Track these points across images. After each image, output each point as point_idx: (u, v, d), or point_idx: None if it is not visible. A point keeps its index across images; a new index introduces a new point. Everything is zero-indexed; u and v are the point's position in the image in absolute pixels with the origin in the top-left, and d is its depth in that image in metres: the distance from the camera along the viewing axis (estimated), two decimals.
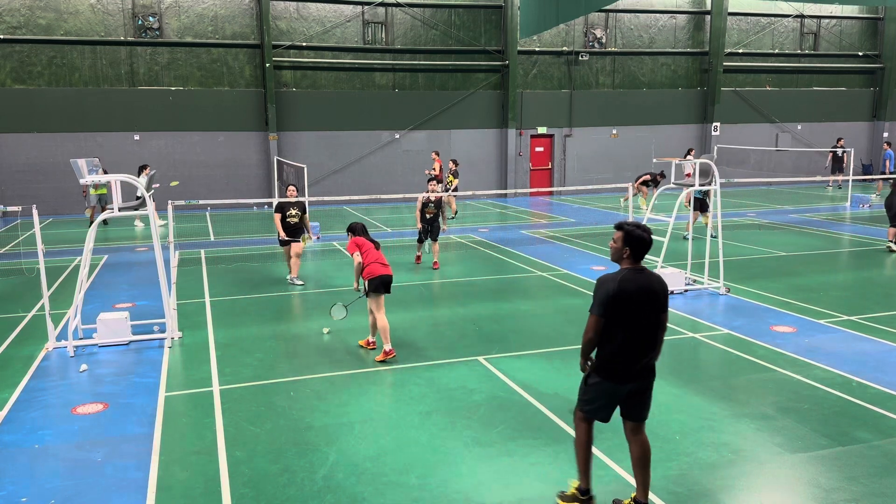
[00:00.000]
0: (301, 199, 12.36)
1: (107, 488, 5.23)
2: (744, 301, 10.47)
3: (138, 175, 19.22)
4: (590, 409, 4.72)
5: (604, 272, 13.33)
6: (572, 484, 4.90)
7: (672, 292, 10.88)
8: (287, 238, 11.91)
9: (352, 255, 8.10)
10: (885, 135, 30.70)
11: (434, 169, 21.00)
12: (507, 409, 6.61)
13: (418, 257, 13.71)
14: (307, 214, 12.29)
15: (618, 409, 4.76)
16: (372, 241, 8.30)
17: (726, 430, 6.05)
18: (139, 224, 19.54)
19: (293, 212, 11.90)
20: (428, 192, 13.19)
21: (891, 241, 14.31)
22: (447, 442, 5.92)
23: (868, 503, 4.88)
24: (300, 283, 12.03)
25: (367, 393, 7.05)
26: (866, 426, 6.08)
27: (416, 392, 7.05)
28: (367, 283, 7.98)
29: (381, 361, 7.92)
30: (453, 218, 20.36)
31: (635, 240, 4.56)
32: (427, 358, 8.08)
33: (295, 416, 6.49)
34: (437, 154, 21.80)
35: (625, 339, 4.53)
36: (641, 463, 4.73)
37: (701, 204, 15.01)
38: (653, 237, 4.63)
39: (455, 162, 20.80)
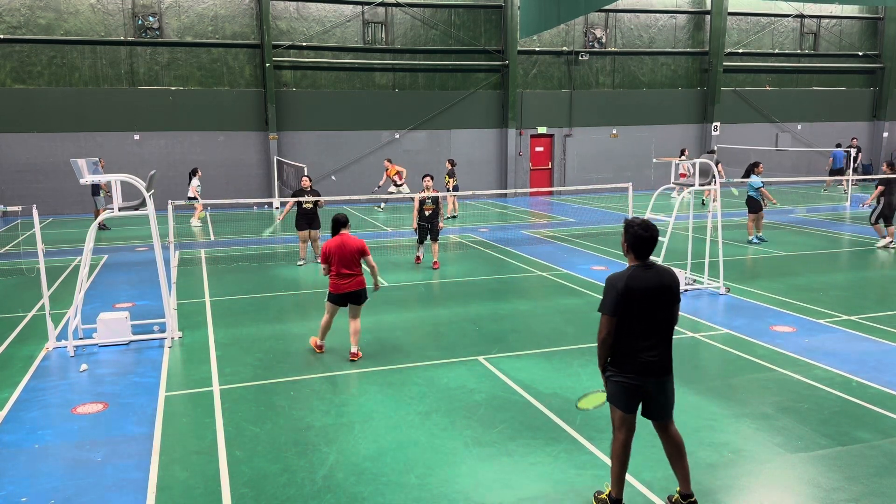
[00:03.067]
0: (317, 196, 13.45)
1: (107, 488, 5.23)
2: (744, 301, 10.47)
3: (190, 180, 19.52)
4: (624, 402, 4.63)
5: (604, 272, 13.23)
6: (607, 487, 4.87)
7: None
8: (303, 224, 13.37)
9: (322, 264, 8.04)
10: (885, 134, 30.73)
11: (397, 177, 21.25)
12: (507, 409, 6.61)
13: (418, 258, 13.71)
14: (321, 202, 13.79)
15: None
16: (337, 232, 7.97)
17: (726, 430, 6.05)
18: (197, 222, 19.78)
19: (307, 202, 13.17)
20: (423, 189, 13.24)
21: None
22: (447, 442, 5.91)
23: (868, 503, 4.88)
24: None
25: (367, 393, 7.05)
26: (866, 426, 6.08)
27: (416, 392, 7.04)
28: (328, 294, 8.10)
29: (353, 360, 8.05)
30: (454, 217, 20.41)
31: (631, 236, 4.57)
32: (427, 358, 8.08)
33: (295, 416, 6.49)
34: (390, 161, 21.97)
35: (637, 336, 4.53)
36: (676, 457, 4.75)
37: (754, 204, 15.29)
38: (654, 234, 4.55)
39: (452, 162, 20.83)
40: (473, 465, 5.51)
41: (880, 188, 14.52)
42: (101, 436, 6.14)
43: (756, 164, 15.69)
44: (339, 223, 8.00)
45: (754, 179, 15.39)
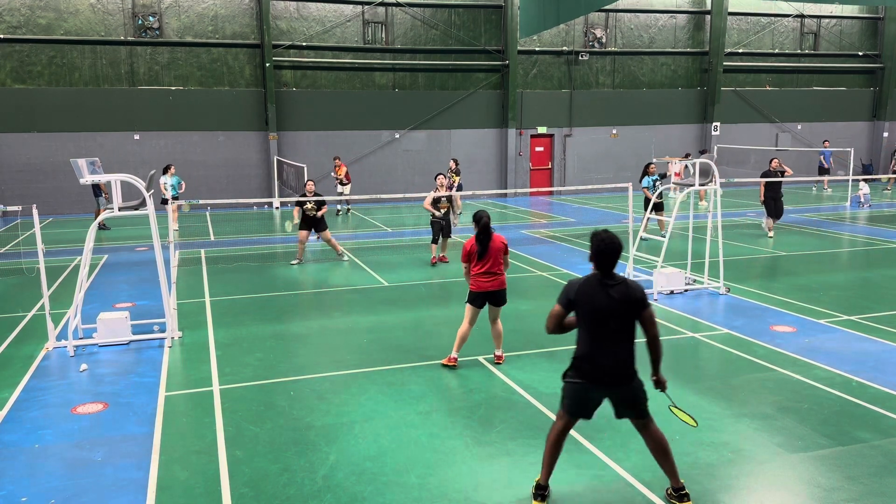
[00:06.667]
0: (319, 197, 13.73)
1: (107, 488, 5.23)
2: (744, 301, 10.47)
3: (164, 174, 19.20)
4: (569, 404, 4.81)
5: None
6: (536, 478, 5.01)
7: (672, 292, 10.89)
8: (305, 226, 13.53)
9: (462, 262, 7.61)
10: (885, 134, 30.74)
11: (339, 175, 21.09)
12: (507, 409, 6.61)
13: (434, 259, 13.67)
14: (325, 207, 13.68)
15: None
16: (489, 236, 7.46)
17: (726, 430, 6.05)
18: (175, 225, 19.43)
19: (309, 206, 13.29)
20: (437, 188, 13.45)
21: None
22: (447, 442, 5.91)
23: (868, 503, 4.88)
24: (346, 259, 13.89)
25: (367, 393, 7.05)
26: (866, 426, 6.08)
27: (416, 392, 7.04)
28: (469, 293, 7.60)
29: (498, 363, 7.76)
30: (459, 213, 20.66)
31: (592, 249, 4.64)
32: (427, 358, 8.08)
33: (295, 416, 6.49)
34: (339, 158, 21.82)
35: (588, 342, 4.65)
36: (660, 455, 4.79)
37: (657, 205, 15.61)
38: (613, 248, 4.56)
39: (455, 161, 21.04)
40: (473, 465, 5.51)
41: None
42: (101, 436, 6.13)
43: (648, 165, 16.17)
44: (485, 221, 7.46)
45: (644, 180, 15.93)
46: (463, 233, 17.65)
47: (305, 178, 18.35)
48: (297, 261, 13.71)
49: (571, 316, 4.76)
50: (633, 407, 4.75)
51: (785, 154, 29.39)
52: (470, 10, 25.86)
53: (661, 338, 4.69)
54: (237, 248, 15.93)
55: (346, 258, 13.93)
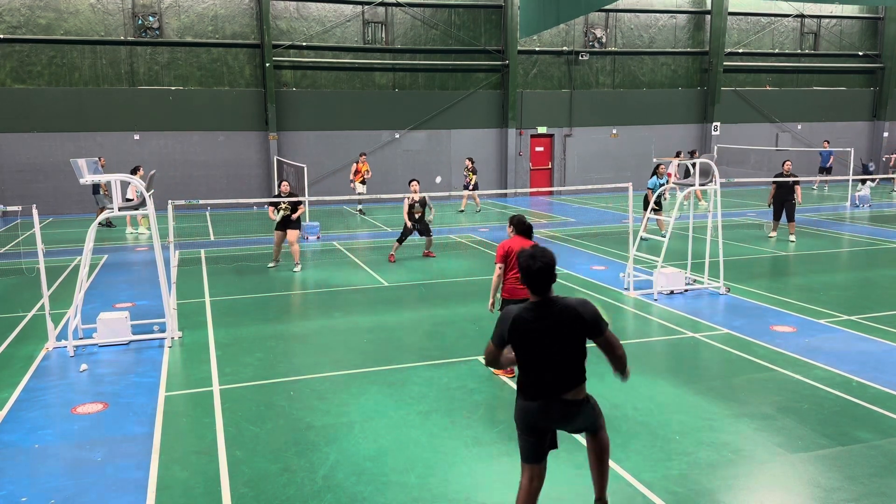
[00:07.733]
0: (295, 198, 13.26)
1: (107, 488, 5.23)
2: (744, 301, 10.47)
3: (133, 175, 19.07)
4: (519, 439, 4.40)
5: (604, 272, 13.15)
6: None
7: (672, 292, 10.89)
8: (278, 226, 13.11)
9: (496, 263, 7.14)
10: (885, 134, 30.75)
11: (362, 171, 20.88)
12: (507, 409, 6.60)
13: (392, 256, 13.88)
14: (301, 208, 13.26)
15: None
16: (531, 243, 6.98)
17: (726, 430, 6.04)
18: (143, 230, 19.32)
19: (283, 205, 12.90)
20: (411, 193, 13.76)
21: None
22: (447, 442, 5.91)
23: (868, 503, 4.88)
24: (298, 270, 13.12)
25: (367, 393, 7.05)
26: (866, 426, 6.08)
27: (416, 392, 7.04)
28: (501, 301, 7.14)
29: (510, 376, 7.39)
30: (478, 211, 21.99)
31: (521, 269, 4.05)
32: (427, 358, 8.08)
33: (295, 416, 6.49)
34: (364, 155, 21.72)
35: (531, 370, 4.21)
36: (595, 462, 4.54)
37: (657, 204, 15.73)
38: (543, 265, 4.01)
39: (471, 160, 22.03)
40: (473, 465, 5.51)
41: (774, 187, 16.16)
42: (101, 436, 6.13)
43: (657, 166, 16.37)
44: (524, 225, 7.22)
45: (651, 181, 16.06)
46: (463, 232, 17.64)
47: (306, 179, 18.37)
48: (273, 263, 13.35)
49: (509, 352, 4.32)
50: (585, 423, 4.45)
51: (785, 154, 29.41)
52: (470, 10, 25.86)
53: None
54: (237, 248, 15.93)
55: (298, 269, 13.04)
